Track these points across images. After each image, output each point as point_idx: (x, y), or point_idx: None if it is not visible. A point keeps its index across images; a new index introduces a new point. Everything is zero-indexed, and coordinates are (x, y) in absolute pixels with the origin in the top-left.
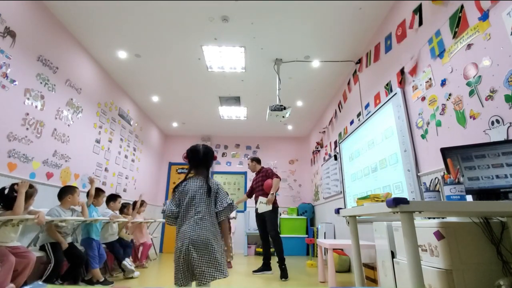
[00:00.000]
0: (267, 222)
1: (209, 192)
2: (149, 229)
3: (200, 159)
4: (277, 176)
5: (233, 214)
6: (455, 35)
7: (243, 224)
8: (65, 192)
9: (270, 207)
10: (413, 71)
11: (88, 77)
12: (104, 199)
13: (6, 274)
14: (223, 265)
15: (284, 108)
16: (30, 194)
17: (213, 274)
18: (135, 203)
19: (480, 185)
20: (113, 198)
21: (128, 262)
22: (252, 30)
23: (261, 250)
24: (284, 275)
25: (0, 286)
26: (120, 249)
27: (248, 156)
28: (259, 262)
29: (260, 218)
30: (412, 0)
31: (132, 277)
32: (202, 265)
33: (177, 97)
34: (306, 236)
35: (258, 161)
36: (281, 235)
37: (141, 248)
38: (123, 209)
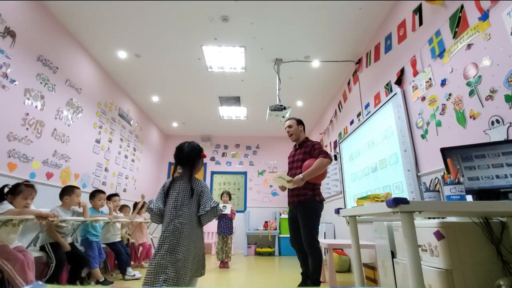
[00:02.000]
0: (301, 228)
1: (192, 193)
2: (149, 229)
3: (183, 157)
4: (326, 156)
5: (226, 211)
6: (455, 35)
7: (243, 224)
8: (64, 193)
9: (290, 185)
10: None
11: (88, 77)
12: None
13: (22, 270)
14: (187, 273)
15: (284, 108)
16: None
17: (177, 279)
18: (135, 204)
19: (480, 185)
20: (110, 197)
21: (130, 273)
22: (252, 30)
23: (261, 250)
24: None
25: (27, 282)
26: (124, 252)
27: (288, 118)
28: (259, 262)
29: (293, 220)
30: (412, 0)
31: (133, 276)
32: (172, 270)
33: (177, 97)
34: None
35: (304, 126)
36: (281, 235)
37: (140, 248)
38: (121, 210)
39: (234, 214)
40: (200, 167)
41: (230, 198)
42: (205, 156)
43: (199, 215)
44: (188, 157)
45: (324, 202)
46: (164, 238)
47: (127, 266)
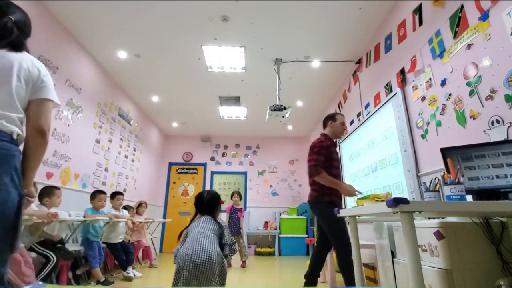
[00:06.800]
0: (325, 230)
1: (220, 229)
2: (149, 229)
3: (204, 206)
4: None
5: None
6: (455, 35)
7: (243, 224)
8: (43, 195)
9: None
10: (413, 68)
11: (88, 77)
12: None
13: (19, 270)
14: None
15: (284, 108)
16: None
17: None
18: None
19: (480, 185)
20: (112, 196)
21: (132, 272)
22: (252, 30)
23: (261, 250)
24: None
25: (24, 281)
26: (123, 254)
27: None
28: (259, 261)
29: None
30: (412, 0)
31: (134, 276)
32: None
33: (177, 97)
34: (306, 236)
35: (329, 118)
36: (281, 235)
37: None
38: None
39: (243, 216)
40: (219, 212)
41: (240, 198)
42: (222, 203)
43: (224, 254)
44: (209, 205)
45: (332, 205)
46: (188, 252)
47: (129, 265)
